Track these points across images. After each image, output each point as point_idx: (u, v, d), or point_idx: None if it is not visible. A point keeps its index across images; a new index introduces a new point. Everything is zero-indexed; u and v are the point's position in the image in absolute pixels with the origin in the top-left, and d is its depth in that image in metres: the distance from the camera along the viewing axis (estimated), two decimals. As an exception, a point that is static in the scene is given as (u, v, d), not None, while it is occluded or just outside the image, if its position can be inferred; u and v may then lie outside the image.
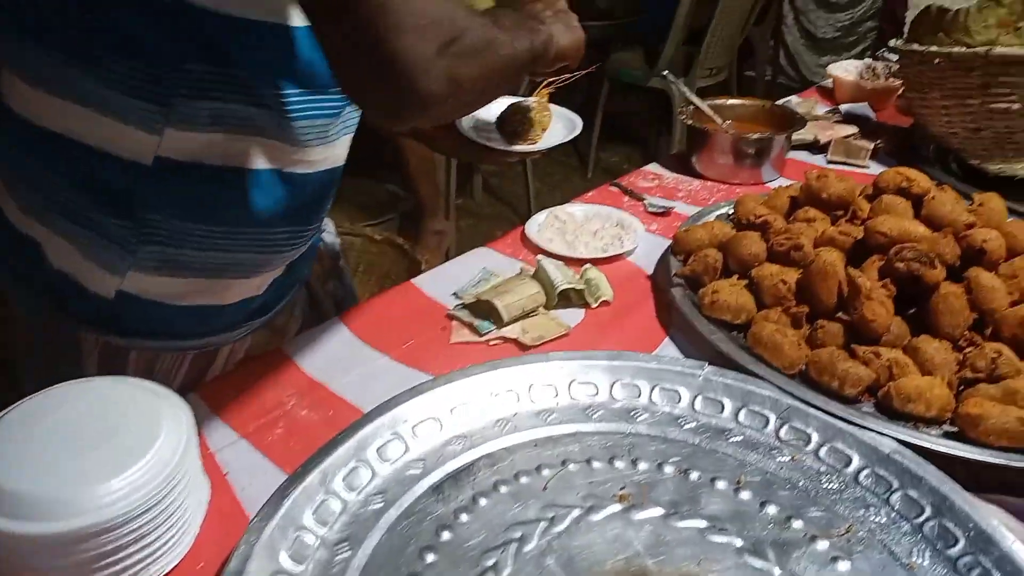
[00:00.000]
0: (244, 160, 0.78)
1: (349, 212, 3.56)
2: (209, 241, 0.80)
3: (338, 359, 0.83)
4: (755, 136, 1.25)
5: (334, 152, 0.87)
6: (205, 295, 0.84)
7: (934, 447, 0.70)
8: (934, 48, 1.19)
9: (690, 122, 1.30)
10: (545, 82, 1.04)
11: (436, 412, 0.71)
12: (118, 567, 0.56)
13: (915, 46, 1.24)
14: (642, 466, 0.69)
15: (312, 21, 0.66)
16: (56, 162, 0.75)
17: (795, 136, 1.36)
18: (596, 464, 0.69)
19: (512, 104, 1.05)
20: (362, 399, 0.76)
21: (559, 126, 1.08)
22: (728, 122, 1.27)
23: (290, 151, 0.80)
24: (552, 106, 1.09)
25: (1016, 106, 1.15)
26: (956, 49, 1.16)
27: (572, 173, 4.02)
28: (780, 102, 1.60)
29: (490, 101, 0.90)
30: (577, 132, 1.07)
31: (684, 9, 3.31)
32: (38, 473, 0.54)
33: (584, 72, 0.96)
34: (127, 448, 0.57)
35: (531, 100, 1.06)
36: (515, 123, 1.04)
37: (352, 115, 0.86)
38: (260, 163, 0.79)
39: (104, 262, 0.78)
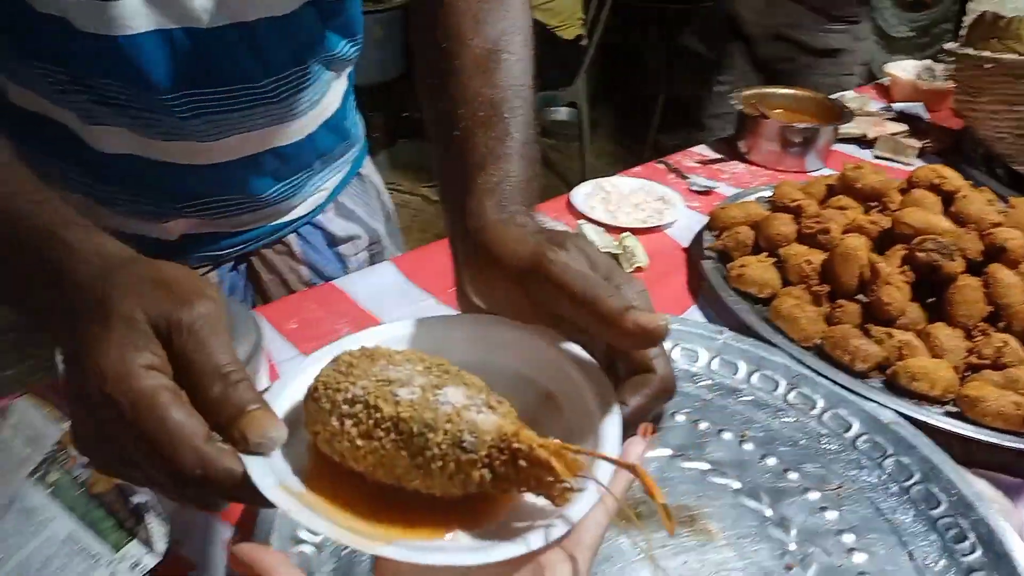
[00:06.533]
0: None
1: (407, 173, 3.64)
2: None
3: (387, 295, 0.92)
4: (802, 126, 1.29)
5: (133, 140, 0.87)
6: None
7: (931, 421, 0.75)
8: (986, 53, 1.21)
9: (740, 107, 1.34)
10: None
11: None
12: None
13: (969, 51, 1.26)
14: (657, 414, 0.76)
15: None
16: None
17: (844, 129, 1.39)
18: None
19: None
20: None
21: None
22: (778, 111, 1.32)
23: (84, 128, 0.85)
24: None
25: (1064, 115, 1.17)
26: (1008, 56, 1.18)
27: (627, 154, 4.05)
28: (835, 95, 1.63)
29: None
30: None
31: None
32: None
33: None
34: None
35: None
36: None
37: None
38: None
39: None
